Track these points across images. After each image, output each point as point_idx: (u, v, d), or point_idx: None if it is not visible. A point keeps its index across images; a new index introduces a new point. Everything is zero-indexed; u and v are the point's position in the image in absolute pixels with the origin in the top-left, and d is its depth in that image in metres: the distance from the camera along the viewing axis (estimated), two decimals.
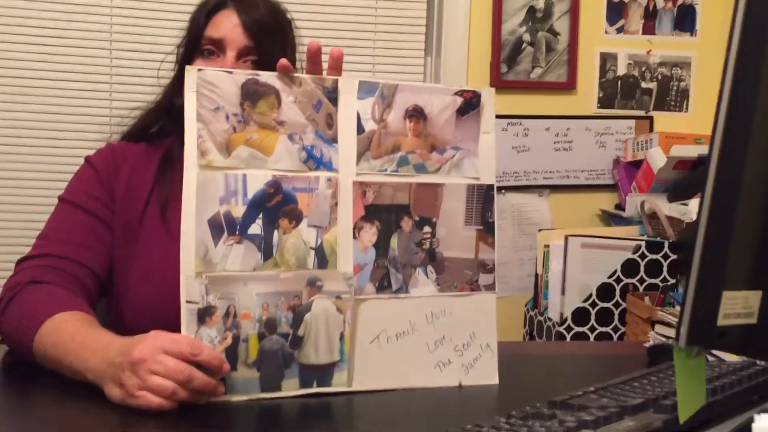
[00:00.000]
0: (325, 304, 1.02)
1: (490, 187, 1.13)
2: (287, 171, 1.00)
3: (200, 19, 1.29)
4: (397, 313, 1.00)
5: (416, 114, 1.09)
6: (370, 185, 1.05)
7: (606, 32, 2.65)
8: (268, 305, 0.99)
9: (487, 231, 1.13)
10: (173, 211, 1.22)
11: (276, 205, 1.00)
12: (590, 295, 2.14)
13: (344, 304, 1.03)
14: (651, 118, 2.71)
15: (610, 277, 2.11)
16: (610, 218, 2.61)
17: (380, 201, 1.06)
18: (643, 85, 2.74)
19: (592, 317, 2.15)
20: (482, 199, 1.13)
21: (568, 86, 2.61)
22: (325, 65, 1.05)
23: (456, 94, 1.12)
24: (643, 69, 2.70)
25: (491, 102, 1.15)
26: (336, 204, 1.03)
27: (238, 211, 0.99)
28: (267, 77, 1.02)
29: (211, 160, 0.97)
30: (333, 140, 1.04)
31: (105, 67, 2.41)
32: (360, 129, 1.05)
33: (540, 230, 2.36)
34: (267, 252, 0.99)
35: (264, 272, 0.99)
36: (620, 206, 2.64)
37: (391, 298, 1.07)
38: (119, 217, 1.27)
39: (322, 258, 1.02)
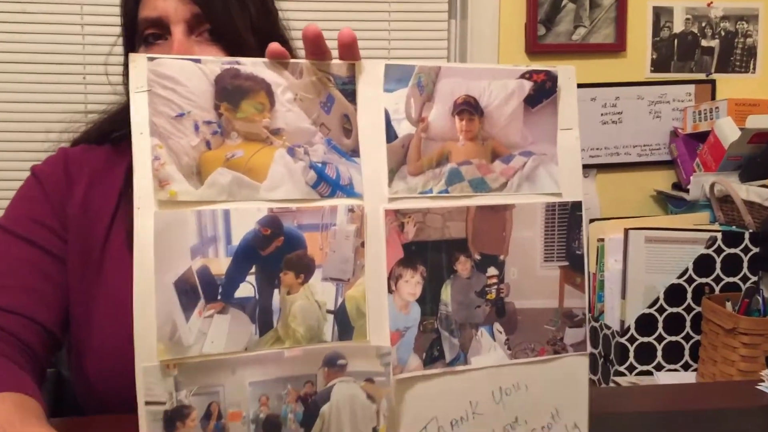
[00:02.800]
0: (350, 390, 0.72)
1: (577, 205, 0.82)
2: (289, 201, 0.69)
3: (129, 3, 0.97)
4: (452, 393, 0.80)
5: (469, 108, 0.78)
6: (409, 214, 0.74)
7: None
8: (267, 398, 0.69)
9: (574, 268, 0.82)
10: None
11: (275, 253, 0.69)
12: (657, 299, 1.82)
13: (378, 388, 0.72)
14: (713, 82, 2.38)
15: (680, 276, 1.79)
16: (668, 200, 2.28)
17: (425, 236, 0.75)
18: (704, 43, 2.40)
19: (660, 325, 1.84)
20: (566, 222, 0.81)
21: (617, 48, 2.29)
22: (334, 54, 0.73)
23: (523, 76, 0.80)
24: (703, 25, 2.36)
25: (572, 85, 0.83)
26: (362, 245, 0.72)
27: (220, 265, 0.68)
28: (252, 66, 0.70)
29: (174, 192, 0.66)
30: (353, 153, 0.72)
31: (78, 54, 2.08)
32: (391, 134, 0.74)
33: (592, 221, 2.04)
34: (264, 322, 0.69)
35: (261, 351, 0.71)
36: (679, 185, 2.31)
37: (445, 373, 0.77)
38: (73, 247, 0.96)
39: (345, 325, 0.72)
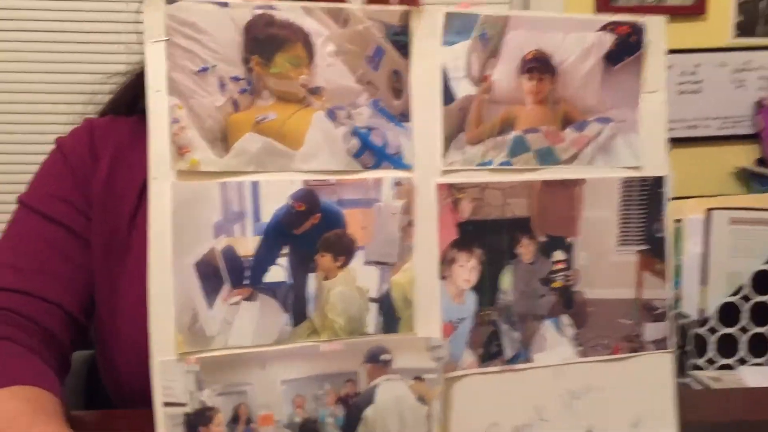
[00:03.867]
0: (397, 390, 0.64)
1: (660, 181, 0.72)
2: (328, 172, 0.61)
3: None
4: (514, 395, 0.72)
5: (540, 66, 0.68)
6: (465, 189, 0.65)
7: None
8: (303, 399, 0.61)
9: (654, 253, 0.72)
10: None
11: (311, 232, 0.61)
12: (741, 287, 1.68)
13: (428, 388, 0.64)
14: None
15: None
16: (752, 178, 2.13)
17: (483, 215, 0.66)
18: None
19: (745, 315, 1.70)
20: (647, 201, 0.72)
21: (696, 10, 2.14)
22: None
23: (604, 28, 0.69)
24: None
25: (661, 40, 0.72)
26: (410, 224, 0.63)
27: (247, 245, 0.60)
28: (288, 11, 0.62)
29: (195, 161, 0.58)
30: (403, 117, 0.64)
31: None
32: (448, 96, 0.65)
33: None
34: (298, 311, 0.61)
35: (295, 344, 0.64)
36: (764, 162, 2.15)
37: (505, 371, 0.69)
38: (97, 226, 0.89)
39: (390, 315, 0.63)
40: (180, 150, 0.61)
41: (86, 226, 0.93)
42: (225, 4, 0.63)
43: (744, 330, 1.73)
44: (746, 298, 1.72)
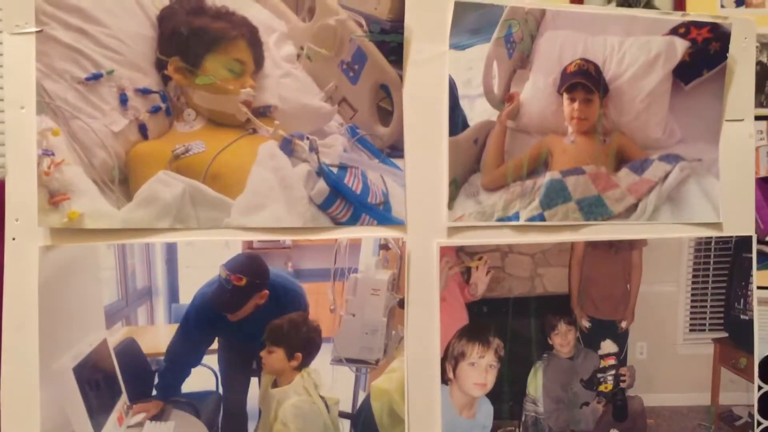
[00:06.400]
0: None
1: (746, 243, 0.53)
2: (280, 230, 0.41)
3: None
4: None
5: (586, 81, 0.49)
6: (480, 255, 0.46)
7: None
8: None
9: (737, 342, 0.55)
10: None
11: (254, 317, 0.42)
12: None
13: None
14: None
15: None
16: None
17: (503, 291, 0.49)
18: None
19: None
20: (727, 269, 0.53)
21: None
22: None
23: (675, 31, 0.51)
24: None
25: (750, 48, 0.54)
26: (401, 305, 0.44)
27: (157, 338, 0.41)
28: None
29: (77, 213, 0.39)
30: (393, 150, 0.45)
31: None
32: (458, 120, 0.46)
33: None
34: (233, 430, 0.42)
35: None
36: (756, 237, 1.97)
37: None
38: None
39: None
40: (54, 197, 0.42)
41: None
42: None
43: None
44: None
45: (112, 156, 0.43)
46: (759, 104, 2.21)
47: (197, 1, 0.44)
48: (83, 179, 0.43)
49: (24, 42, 0.42)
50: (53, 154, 0.42)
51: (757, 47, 2.07)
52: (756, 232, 1.81)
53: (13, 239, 0.42)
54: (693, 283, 0.56)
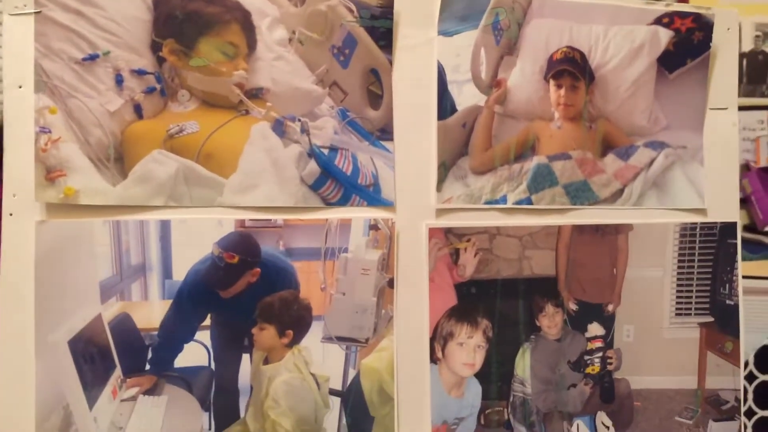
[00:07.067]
0: None
1: (731, 228, 0.54)
2: (272, 209, 0.42)
3: None
4: None
5: (572, 68, 0.51)
6: (468, 237, 0.47)
7: None
8: None
9: (723, 326, 0.56)
10: None
11: (246, 294, 0.43)
12: (746, 363, 1.52)
13: None
14: None
15: None
16: (742, 245, 1.95)
17: (492, 272, 0.49)
18: None
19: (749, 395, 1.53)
20: (713, 255, 0.54)
21: None
22: None
23: (659, 21, 0.52)
24: None
25: (733, 38, 0.55)
26: (390, 284, 0.45)
27: (151, 314, 0.42)
28: None
29: (73, 189, 0.41)
30: (383, 133, 0.46)
31: None
32: (446, 105, 0.47)
33: None
34: (225, 408, 0.43)
35: None
36: (754, 227, 1.98)
37: None
38: None
39: (359, 415, 0.46)
40: (50, 173, 0.43)
41: None
42: None
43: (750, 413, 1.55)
44: (751, 377, 1.54)
45: (107, 134, 0.45)
46: (760, 94, 2.20)
47: None
48: (79, 156, 0.44)
49: (23, 23, 0.43)
50: (50, 132, 0.43)
51: (758, 36, 2.07)
52: (756, 223, 1.80)
53: (11, 214, 0.43)
54: (679, 268, 0.58)
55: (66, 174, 0.44)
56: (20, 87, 0.43)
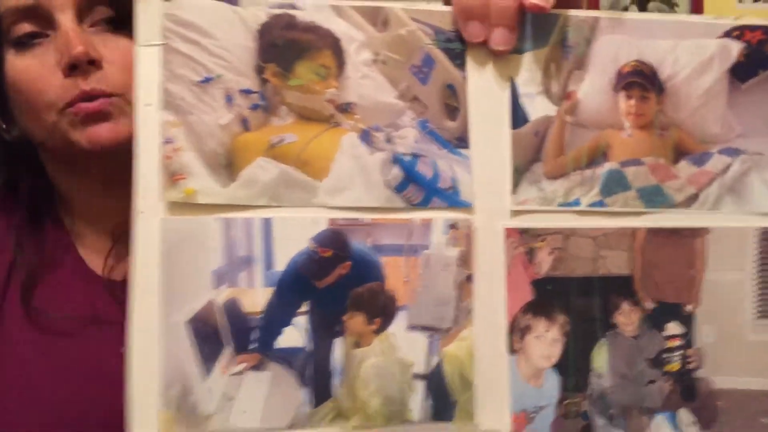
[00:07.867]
0: None
1: None
2: (361, 209, 0.49)
3: None
4: None
5: (641, 81, 0.56)
6: (543, 237, 0.52)
7: None
8: None
9: None
10: (44, 294, 0.66)
11: (338, 285, 0.51)
12: None
13: None
14: None
15: None
16: None
17: (567, 270, 0.54)
18: None
19: None
20: None
21: None
22: None
23: (729, 34, 0.56)
24: None
25: None
26: (469, 279, 0.51)
27: (256, 299, 0.51)
28: (314, 12, 0.52)
29: (192, 190, 0.49)
30: (459, 142, 0.52)
31: None
32: (519, 116, 0.53)
33: None
34: (320, 386, 0.53)
35: (316, 430, 0.53)
36: None
37: None
38: None
39: (442, 398, 0.53)
40: (173, 177, 0.51)
41: None
42: (234, 2, 0.54)
43: None
44: None
45: (219, 144, 0.53)
46: None
47: (290, 18, 0.54)
48: (196, 163, 0.52)
49: (151, 53, 0.52)
50: (172, 142, 0.52)
51: None
52: None
53: (142, 212, 0.52)
54: (760, 271, 0.59)
55: (186, 177, 0.51)
56: (148, 105, 0.52)
